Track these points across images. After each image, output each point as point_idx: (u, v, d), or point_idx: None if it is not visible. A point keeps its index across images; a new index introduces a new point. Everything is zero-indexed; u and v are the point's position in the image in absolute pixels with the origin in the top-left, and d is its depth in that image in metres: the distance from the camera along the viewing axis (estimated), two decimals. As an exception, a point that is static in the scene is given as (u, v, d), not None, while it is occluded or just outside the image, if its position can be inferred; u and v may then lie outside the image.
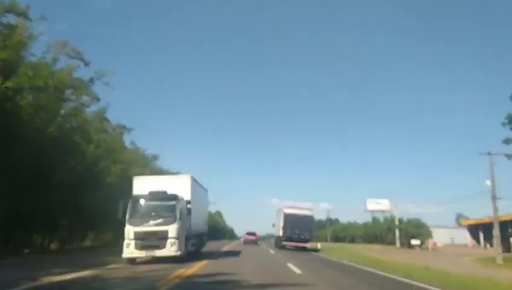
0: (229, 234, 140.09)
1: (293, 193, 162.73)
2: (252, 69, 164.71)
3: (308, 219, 29.19)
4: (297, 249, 29.25)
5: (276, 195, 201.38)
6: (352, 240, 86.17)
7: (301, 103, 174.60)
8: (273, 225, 35.37)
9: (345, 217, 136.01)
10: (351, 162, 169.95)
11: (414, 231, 56.55)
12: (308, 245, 29.46)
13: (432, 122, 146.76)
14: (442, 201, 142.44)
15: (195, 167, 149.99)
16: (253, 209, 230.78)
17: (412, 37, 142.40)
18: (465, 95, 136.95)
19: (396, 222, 58.46)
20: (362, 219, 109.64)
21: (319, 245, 40.78)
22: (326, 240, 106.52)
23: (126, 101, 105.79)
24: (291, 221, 27.93)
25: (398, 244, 57.42)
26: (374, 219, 75.27)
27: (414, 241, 53.51)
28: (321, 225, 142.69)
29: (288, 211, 28.72)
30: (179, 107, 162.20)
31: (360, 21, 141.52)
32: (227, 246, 34.07)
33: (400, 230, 57.81)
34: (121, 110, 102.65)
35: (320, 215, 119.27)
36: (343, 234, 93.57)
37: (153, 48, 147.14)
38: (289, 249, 30.08)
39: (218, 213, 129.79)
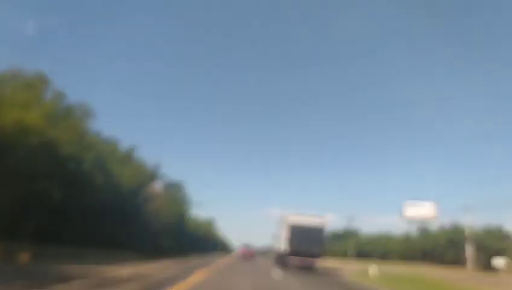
0: (223, 246, 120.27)
1: (294, 202, 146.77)
2: (251, 76, 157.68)
3: (319, 231, 24.07)
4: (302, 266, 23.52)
5: (276, 205, 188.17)
6: (384, 257, 66.07)
7: (301, 107, 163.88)
8: (275, 238, 30.46)
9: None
10: (356, 171, 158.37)
11: (496, 245, 36.60)
12: (318, 263, 24.47)
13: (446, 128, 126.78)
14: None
15: (192, 174, 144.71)
16: (252, 220, 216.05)
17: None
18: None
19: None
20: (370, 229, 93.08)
21: (371, 271, 21.28)
22: (346, 256, 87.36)
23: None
24: (297, 233, 23.36)
25: (470, 264, 37.59)
26: (422, 229, 55.30)
27: (498, 261, 33.40)
28: (336, 236, 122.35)
29: (293, 220, 24.00)
30: (176, 113, 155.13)
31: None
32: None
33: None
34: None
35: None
36: (369, 248, 73.14)
37: (150, 49, 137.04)
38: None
39: (210, 221, 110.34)
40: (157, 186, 43.41)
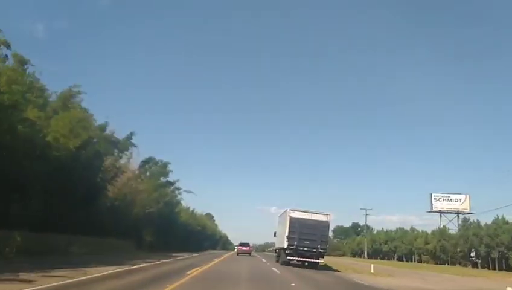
0: (223, 243, 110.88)
1: (294, 202, 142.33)
2: (250, 81, 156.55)
3: (323, 226, 22.02)
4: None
5: (276, 204, 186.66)
6: (408, 257, 55.86)
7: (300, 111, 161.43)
8: (275, 235, 28.75)
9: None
10: (353, 171, 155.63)
11: None
12: (321, 261, 22.41)
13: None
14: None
15: (193, 174, 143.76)
16: (252, 219, 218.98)
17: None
18: None
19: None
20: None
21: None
22: (359, 255, 76.90)
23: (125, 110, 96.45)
24: (299, 228, 21.71)
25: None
26: (466, 222, 44.84)
27: None
28: (342, 231, 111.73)
29: (295, 214, 22.15)
30: (176, 116, 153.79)
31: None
32: None
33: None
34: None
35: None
36: (389, 246, 62.73)
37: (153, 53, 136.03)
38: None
39: (209, 215, 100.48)
40: (133, 165, 32.99)
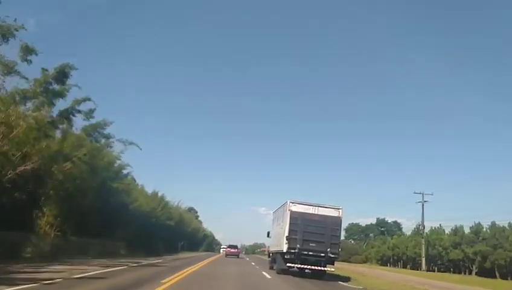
0: (207, 244, 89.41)
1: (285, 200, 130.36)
2: (239, 74, 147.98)
3: (333, 223, 17.70)
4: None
5: (265, 204, 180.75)
6: (509, 271, 34.85)
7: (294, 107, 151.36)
8: (268, 235, 24.27)
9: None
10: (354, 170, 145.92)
11: None
12: (332, 270, 18.19)
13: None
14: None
15: (182, 173, 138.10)
16: (241, 219, 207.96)
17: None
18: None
19: None
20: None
21: None
22: (393, 265, 55.76)
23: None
24: (302, 226, 17.46)
25: None
26: None
27: None
28: (359, 230, 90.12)
29: (297, 208, 17.98)
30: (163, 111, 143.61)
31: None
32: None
33: None
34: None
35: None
36: (463, 253, 41.29)
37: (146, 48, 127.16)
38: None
39: (191, 210, 79.53)
40: None
